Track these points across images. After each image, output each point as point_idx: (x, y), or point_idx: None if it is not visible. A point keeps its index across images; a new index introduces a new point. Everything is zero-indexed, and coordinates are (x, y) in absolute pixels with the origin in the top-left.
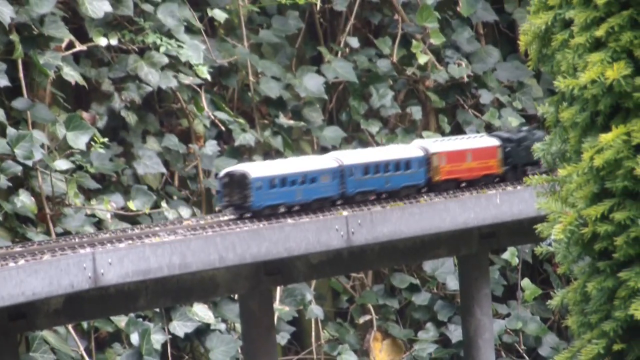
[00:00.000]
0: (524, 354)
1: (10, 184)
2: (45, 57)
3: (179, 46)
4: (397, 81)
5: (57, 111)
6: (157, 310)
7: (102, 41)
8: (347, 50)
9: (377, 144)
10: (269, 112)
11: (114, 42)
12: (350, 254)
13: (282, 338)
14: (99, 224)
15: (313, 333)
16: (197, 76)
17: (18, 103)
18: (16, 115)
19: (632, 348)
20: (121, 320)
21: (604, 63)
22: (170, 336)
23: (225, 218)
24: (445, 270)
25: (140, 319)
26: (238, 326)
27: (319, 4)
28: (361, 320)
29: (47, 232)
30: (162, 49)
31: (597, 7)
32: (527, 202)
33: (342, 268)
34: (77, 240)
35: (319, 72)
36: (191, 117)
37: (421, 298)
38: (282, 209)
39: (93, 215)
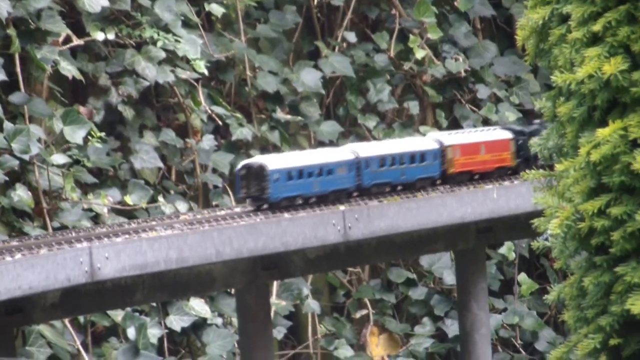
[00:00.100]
0: (521, 349)
1: (7, 178)
2: (42, 52)
3: (176, 41)
4: (395, 76)
5: (54, 105)
6: (154, 304)
7: (100, 35)
8: (345, 45)
9: (374, 139)
10: (266, 107)
11: (111, 36)
12: (347, 249)
13: (279, 332)
14: (96, 219)
15: (310, 327)
16: (195, 71)
17: (15, 97)
18: (13, 110)
19: (629, 343)
20: (118, 315)
21: (601, 58)
22: (166, 330)
23: (222, 212)
24: (442, 265)
25: (137, 314)
26: (235, 320)
27: None
28: (358, 315)
29: (44, 227)
30: (159, 44)
31: (594, 1)
32: (524, 196)
33: (339, 263)
34: (73, 234)
35: (316, 66)
36: (188, 111)
37: (418, 293)
38: (299, 201)
39: (90, 210)
